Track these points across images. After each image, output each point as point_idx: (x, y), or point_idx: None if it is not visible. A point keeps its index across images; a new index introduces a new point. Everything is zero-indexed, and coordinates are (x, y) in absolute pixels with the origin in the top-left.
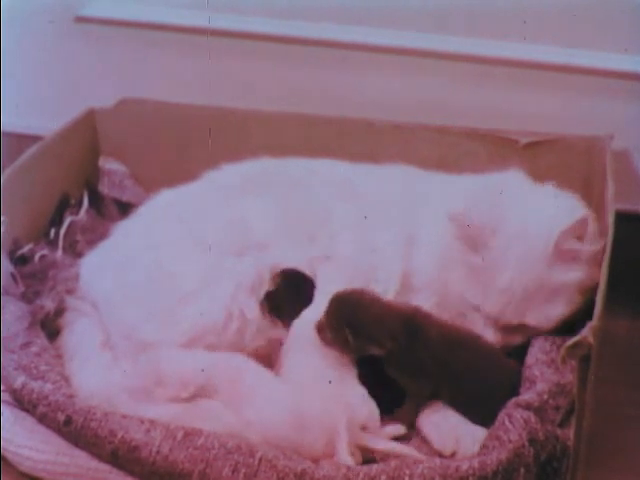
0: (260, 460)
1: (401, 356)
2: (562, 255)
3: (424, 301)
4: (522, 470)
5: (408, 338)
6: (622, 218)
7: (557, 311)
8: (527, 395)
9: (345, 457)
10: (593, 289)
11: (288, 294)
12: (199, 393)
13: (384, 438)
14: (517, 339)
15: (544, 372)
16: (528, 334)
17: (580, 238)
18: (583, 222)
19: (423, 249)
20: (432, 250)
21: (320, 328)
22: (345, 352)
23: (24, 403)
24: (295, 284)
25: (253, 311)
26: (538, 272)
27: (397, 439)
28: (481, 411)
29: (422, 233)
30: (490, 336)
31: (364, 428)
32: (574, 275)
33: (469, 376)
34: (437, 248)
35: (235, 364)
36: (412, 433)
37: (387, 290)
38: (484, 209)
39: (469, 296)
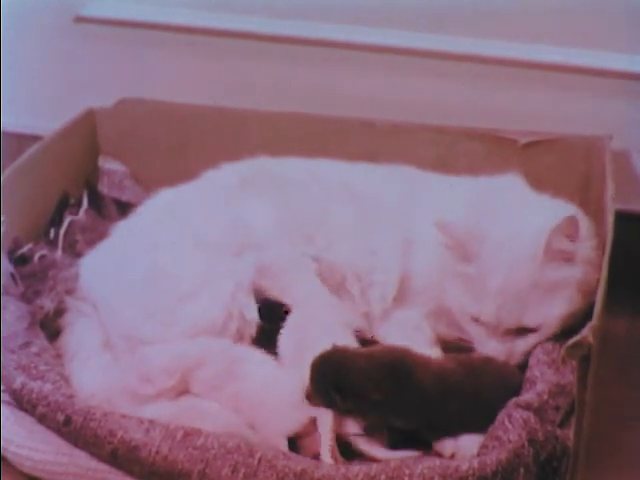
0: (259, 460)
1: (388, 404)
2: (554, 255)
3: (422, 306)
4: (522, 470)
5: (395, 385)
6: (622, 218)
7: (555, 310)
8: (527, 395)
9: (326, 455)
10: (594, 289)
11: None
12: (185, 379)
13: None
14: (521, 346)
15: (544, 372)
16: (532, 341)
17: (572, 238)
18: (572, 220)
19: (421, 254)
20: (429, 256)
21: (308, 395)
22: (334, 412)
23: (23, 403)
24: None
25: (252, 312)
26: (530, 272)
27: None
28: (480, 430)
29: (420, 237)
30: (492, 348)
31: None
32: (569, 273)
33: (469, 407)
34: (434, 255)
35: (217, 344)
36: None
37: (385, 294)
38: (472, 217)
39: (466, 306)
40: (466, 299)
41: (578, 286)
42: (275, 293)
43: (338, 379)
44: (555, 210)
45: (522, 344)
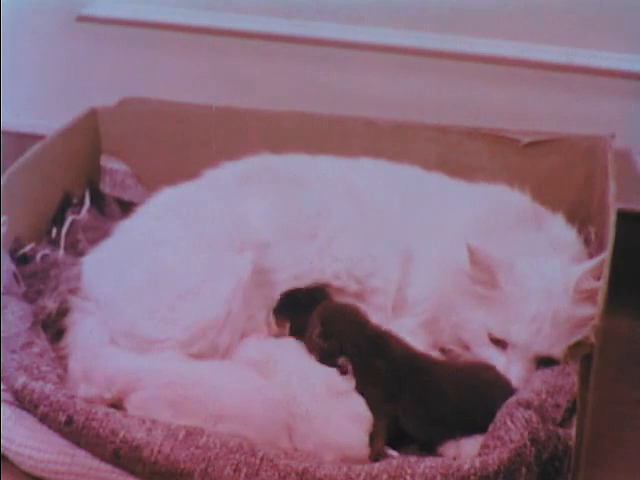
0: (261, 459)
1: (362, 361)
2: (582, 294)
3: (417, 315)
4: (523, 470)
5: (370, 348)
6: (623, 217)
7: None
8: (525, 394)
9: None
10: None
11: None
12: (123, 395)
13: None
14: None
15: (544, 371)
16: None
17: (598, 278)
18: (600, 265)
19: (420, 268)
20: (429, 272)
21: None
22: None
23: (25, 403)
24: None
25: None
26: (562, 305)
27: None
28: (439, 434)
29: (421, 248)
30: (515, 374)
31: None
32: (594, 311)
33: (431, 400)
34: (435, 272)
35: (171, 367)
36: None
37: (385, 301)
38: (495, 243)
39: (492, 328)
40: (489, 319)
41: None
42: None
43: (328, 319)
44: (571, 248)
45: None
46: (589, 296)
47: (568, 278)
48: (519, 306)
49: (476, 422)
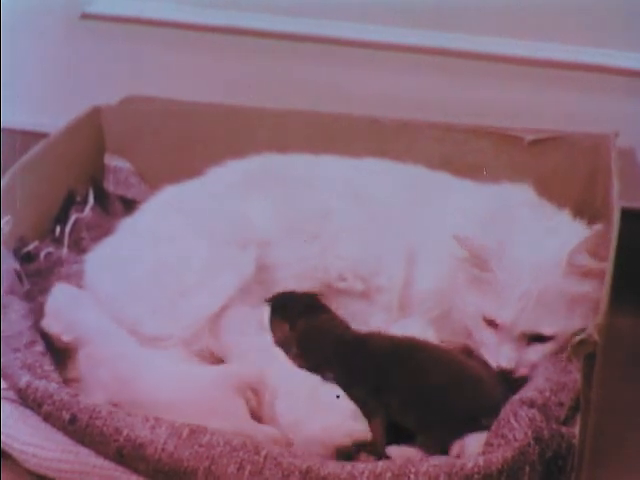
0: (265, 457)
1: (345, 365)
2: (575, 269)
3: (424, 313)
4: (527, 468)
5: (352, 350)
6: (627, 215)
7: (573, 323)
8: (529, 392)
9: None
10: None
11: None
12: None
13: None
14: (532, 355)
15: (547, 368)
16: (544, 351)
17: (594, 254)
18: (596, 237)
19: (425, 263)
20: (433, 266)
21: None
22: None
23: (29, 402)
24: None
25: None
26: (553, 282)
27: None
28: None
29: (424, 246)
30: (504, 354)
31: None
32: (589, 289)
33: (418, 385)
34: (438, 265)
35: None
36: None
37: (390, 299)
38: (490, 233)
39: (483, 307)
40: (483, 301)
41: (595, 302)
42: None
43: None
44: (573, 229)
45: (533, 353)
46: (584, 272)
47: (561, 252)
48: (510, 286)
49: (459, 407)
